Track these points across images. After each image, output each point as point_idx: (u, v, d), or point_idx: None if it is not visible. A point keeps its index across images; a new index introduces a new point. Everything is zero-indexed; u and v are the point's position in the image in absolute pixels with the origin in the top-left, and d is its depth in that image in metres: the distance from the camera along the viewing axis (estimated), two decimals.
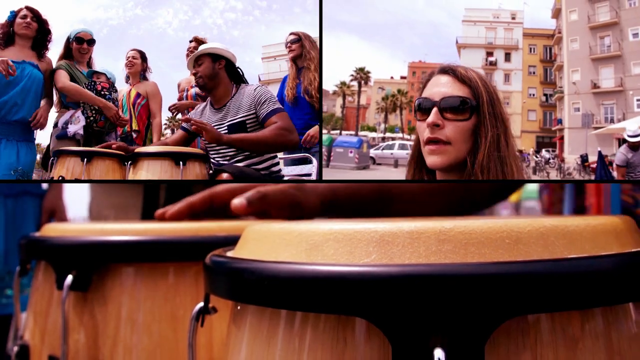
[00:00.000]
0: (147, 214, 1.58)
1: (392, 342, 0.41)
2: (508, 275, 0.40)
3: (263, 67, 1.93)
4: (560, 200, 1.18)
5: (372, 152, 1.68)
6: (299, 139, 1.62)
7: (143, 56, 1.84)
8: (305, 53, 1.72)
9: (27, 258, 0.84)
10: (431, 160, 0.87)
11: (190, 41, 1.82)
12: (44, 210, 1.91)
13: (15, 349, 0.80)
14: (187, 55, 1.82)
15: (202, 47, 1.64)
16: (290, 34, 1.76)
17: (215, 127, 1.59)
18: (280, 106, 1.59)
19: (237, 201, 0.91)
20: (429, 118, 0.85)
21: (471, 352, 0.39)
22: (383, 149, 1.73)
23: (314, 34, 1.40)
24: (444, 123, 0.85)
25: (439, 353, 0.39)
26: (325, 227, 0.47)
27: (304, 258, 0.46)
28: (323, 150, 1.53)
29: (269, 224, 0.56)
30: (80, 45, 1.71)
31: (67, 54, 1.71)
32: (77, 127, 1.70)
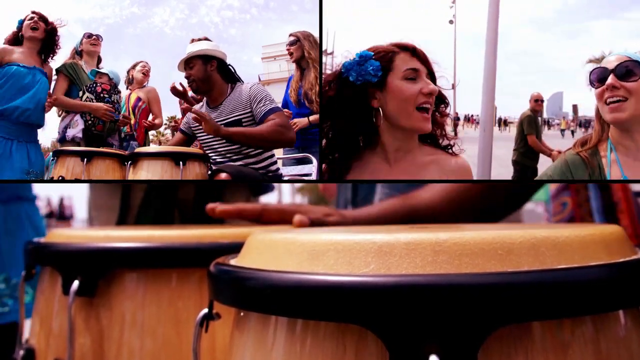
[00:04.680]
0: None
1: (390, 348, 0.42)
2: (500, 285, 0.41)
3: (263, 67, 1.93)
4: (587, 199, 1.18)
5: None
6: (295, 137, 1.62)
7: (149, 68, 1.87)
8: (305, 54, 1.72)
9: (33, 263, 0.85)
10: None
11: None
12: None
13: (21, 352, 0.82)
14: None
15: (191, 49, 1.62)
16: (290, 35, 1.76)
17: None
18: (277, 105, 1.59)
19: (302, 218, 0.95)
20: None
21: (465, 358, 0.41)
22: None
23: (314, 33, 1.41)
24: None
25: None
26: (326, 237, 0.49)
27: (305, 267, 0.48)
28: None
29: (271, 232, 0.58)
30: (89, 39, 1.73)
31: (76, 54, 1.73)
32: (75, 130, 1.71)
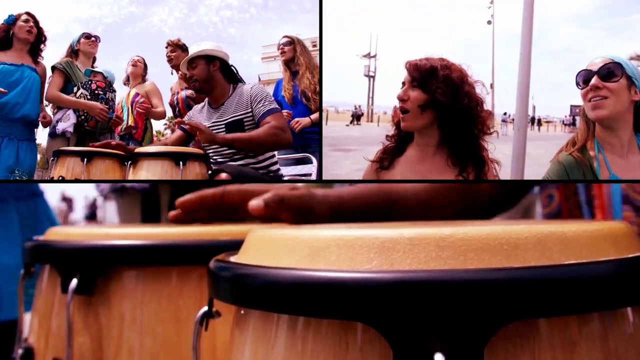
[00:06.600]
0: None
1: (393, 346, 0.41)
2: (506, 281, 0.40)
3: (263, 67, 1.93)
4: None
5: None
6: (292, 138, 1.63)
7: (145, 62, 1.86)
8: (296, 58, 1.73)
9: (31, 262, 0.85)
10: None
11: (166, 47, 1.81)
12: None
13: (20, 351, 0.81)
14: (168, 61, 1.82)
15: (195, 49, 1.62)
16: (283, 36, 1.77)
17: (214, 126, 1.60)
18: (276, 106, 1.59)
19: (255, 202, 0.90)
20: None
21: (471, 356, 0.40)
22: None
23: (314, 33, 1.41)
24: None
25: (439, 358, 0.40)
26: (327, 233, 0.48)
27: (306, 264, 0.47)
28: None
29: (271, 229, 0.57)
30: (88, 40, 1.73)
31: (72, 53, 1.73)
32: (66, 124, 1.71)
